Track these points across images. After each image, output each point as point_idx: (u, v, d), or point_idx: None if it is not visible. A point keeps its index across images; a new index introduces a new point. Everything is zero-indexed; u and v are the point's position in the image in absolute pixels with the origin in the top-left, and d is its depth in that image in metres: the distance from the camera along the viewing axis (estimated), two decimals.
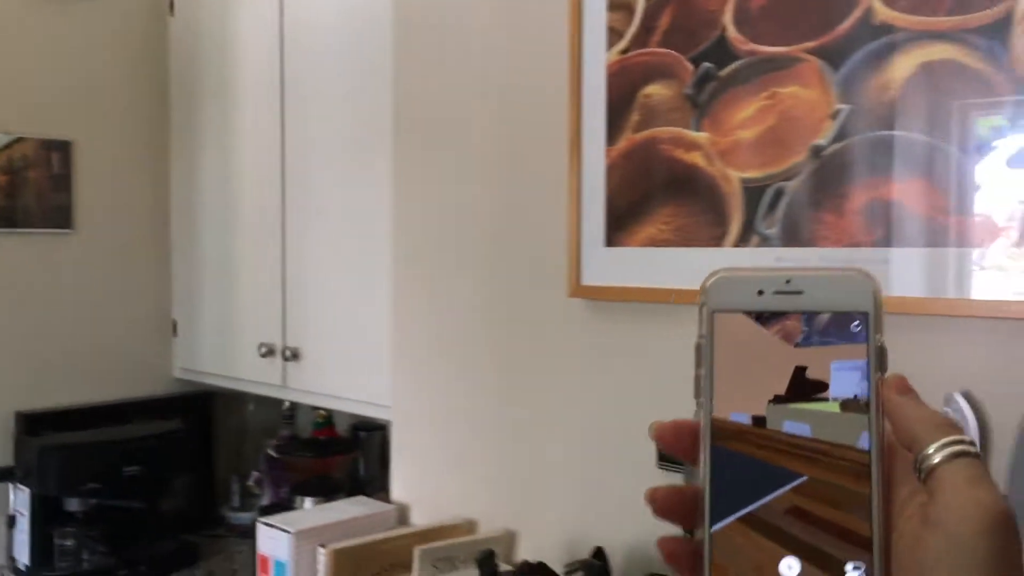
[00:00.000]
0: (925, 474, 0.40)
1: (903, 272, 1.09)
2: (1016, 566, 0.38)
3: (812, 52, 1.17)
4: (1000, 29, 1.02)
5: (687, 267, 1.30)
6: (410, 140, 1.77)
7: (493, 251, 1.61)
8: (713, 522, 0.41)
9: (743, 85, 1.24)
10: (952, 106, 1.06)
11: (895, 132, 1.10)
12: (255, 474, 2.39)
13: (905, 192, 1.09)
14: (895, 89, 1.10)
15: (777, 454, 0.41)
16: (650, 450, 1.36)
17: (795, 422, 0.41)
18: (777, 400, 0.42)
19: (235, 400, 2.57)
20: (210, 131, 2.34)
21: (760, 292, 0.42)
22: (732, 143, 1.25)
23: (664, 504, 0.43)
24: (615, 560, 1.39)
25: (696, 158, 1.29)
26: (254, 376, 2.20)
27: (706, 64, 1.27)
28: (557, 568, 1.38)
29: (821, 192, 1.17)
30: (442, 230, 1.71)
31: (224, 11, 2.27)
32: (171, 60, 2.46)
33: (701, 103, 1.28)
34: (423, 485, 1.76)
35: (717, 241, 1.27)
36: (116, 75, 2.38)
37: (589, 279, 1.42)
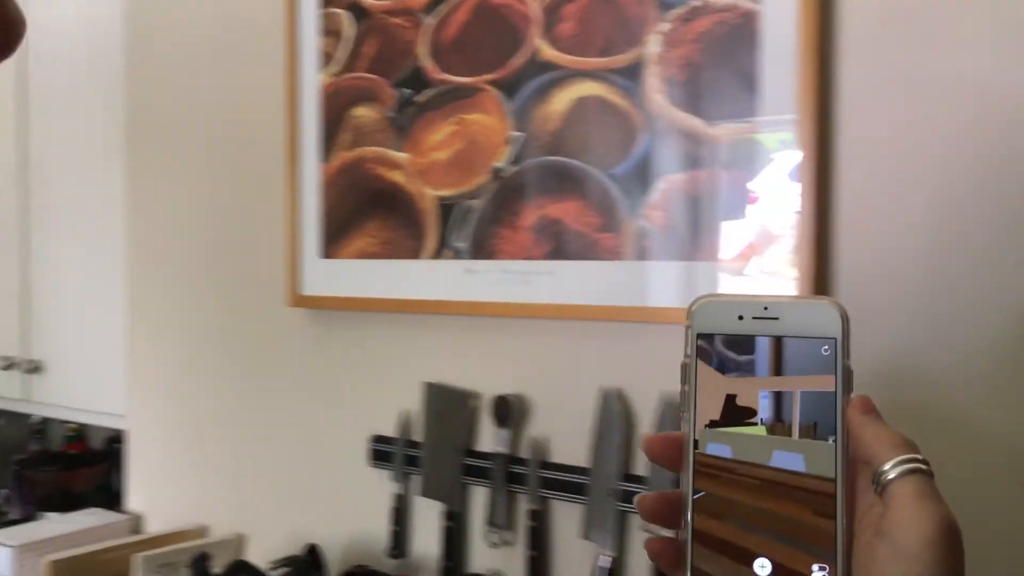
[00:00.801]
0: (881, 488, 0.44)
1: (578, 281, 1.23)
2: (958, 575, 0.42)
3: (492, 83, 1.29)
4: (636, 71, 1.17)
5: (392, 277, 1.39)
6: (142, 151, 1.78)
7: (221, 261, 1.65)
8: (695, 523, 0.46)
9: (436, 110, 1.35)
10: (600, 135, 1.20)
11: (556, 158, 1.24)
12: (2, 491, 2.30)
13: (565, 211, 1.23)
14: (556, 120, 1.24)
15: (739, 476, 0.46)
16: (362, 450, 1.44)
17: (720, 444, 0.46)
18: (711, 424, 0.47)
19: None
20: None
21: (740, 317, 0.47)
22: (429, 163, 1.36)
23: (651, 509, 0.47)
24: (332, 555, 1.46)
25: (398, 176, 1.39)
26: None
27: (405, 90, 1.37)
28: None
29: (500, 210, 1.29)
30: (173, 240, 1.73)
31: None
32: None
33: (402, 125, 1.38)
34: (159, 494, 1.78)
35: (416, 253, 1.37)
36: None
37: (307, 289, 1.49)
